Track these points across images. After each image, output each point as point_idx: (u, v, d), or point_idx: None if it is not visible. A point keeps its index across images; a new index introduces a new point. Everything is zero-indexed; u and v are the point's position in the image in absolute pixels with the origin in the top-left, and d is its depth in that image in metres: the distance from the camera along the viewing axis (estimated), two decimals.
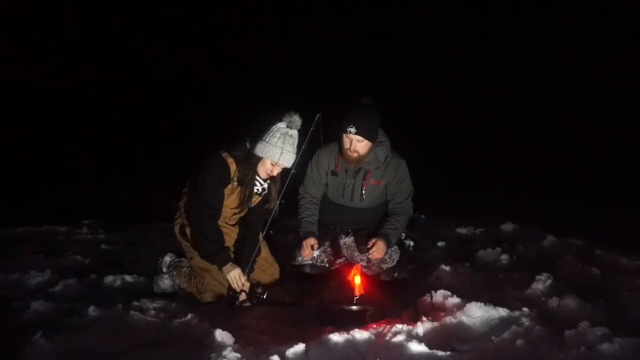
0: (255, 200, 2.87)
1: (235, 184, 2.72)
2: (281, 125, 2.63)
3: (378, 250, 2.92)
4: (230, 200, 2.77)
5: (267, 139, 2.61)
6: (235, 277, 2.63)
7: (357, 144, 2.86)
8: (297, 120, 2.65)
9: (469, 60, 10.56)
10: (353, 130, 2.81)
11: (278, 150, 2.60)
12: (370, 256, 2.95)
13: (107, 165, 8.35)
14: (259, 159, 2.67)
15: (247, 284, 2.69)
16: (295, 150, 2.67)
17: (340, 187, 3.12)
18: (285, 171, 2.75)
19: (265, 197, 2.88)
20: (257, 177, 2.77)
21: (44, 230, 4.48)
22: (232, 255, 2.73)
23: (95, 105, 10.15)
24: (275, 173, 2.72)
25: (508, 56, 10.19)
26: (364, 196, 3.10)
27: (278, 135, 2.60)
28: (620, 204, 4.97)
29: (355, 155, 2.91)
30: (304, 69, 10.61)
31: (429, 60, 10.71)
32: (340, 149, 3.00)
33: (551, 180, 6.68)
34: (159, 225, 4.46)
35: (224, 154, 2.70)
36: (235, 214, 2.87)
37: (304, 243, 3.03)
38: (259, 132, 2.66)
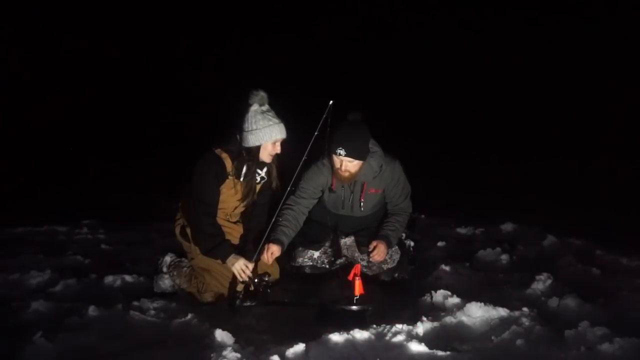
0: (256, 189, 2.88)
1: (234, 177, 2.73)
2: (254, 107, 2.65)
3: (379, 253, 2.91)
4: (230, 194, 2.77)
5: (254, 127, 2.63)
6: (241, 267, 2.60)
7: (347, 164, 2.83)
8: (263, 95, 2.66)
9: (470, 60, 10.56)
10: (343, 152, 2.76)
11: (270, 129, 2.62)
12: (371, 259, 2.94)
13: (107, 165, 8.35)
14: (258, 147, 2.68)
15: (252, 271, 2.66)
16: (280, 120, 2.69)
17: (339, 201, 3.10)
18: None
19: (265, 186, 2.90)
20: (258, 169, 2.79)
21: (44, 230, 4.48)
22: (234, 247, 2.71)
23: (94, 104, 10.15)
24: (279, 149, 2.73)
25: (509, 56, 10.19)
26: (362, 208, 3.10)
27: (259, 117, 2.62)
28: (621, 204, 4.97)
29: (347, 174, 2.88)
30: (301, 67, 10.63)
31: (430, 60, 10.71)
32: (333, 170, 2.96)
33: (551, 180, 6.68)
34: (159, 225, 4.46)
35: (218, 151, 2.71)
36: (236, 207, 2.88)
37: (266, 246, 2.76)
38: (241, 124, 2.67)
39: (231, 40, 11.39)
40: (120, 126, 9.79)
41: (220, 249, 2.64)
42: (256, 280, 2.62)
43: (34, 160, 8.23)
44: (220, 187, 2.74)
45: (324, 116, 2.71)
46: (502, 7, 10.23)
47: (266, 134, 2.62)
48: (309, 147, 2.71)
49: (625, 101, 8.55)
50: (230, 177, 2.72)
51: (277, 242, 2.85)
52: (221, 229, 2.74)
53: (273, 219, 2.79)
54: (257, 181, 2.84)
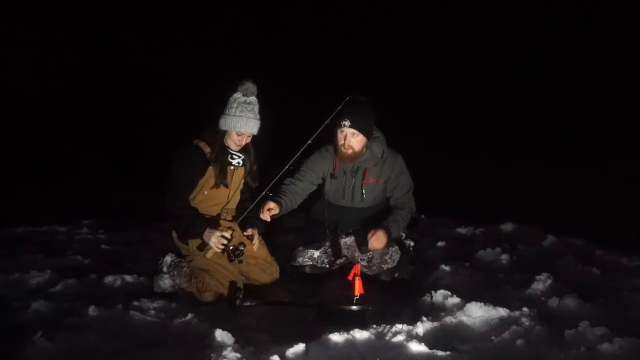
0: (241, 173, 2.92)
1: (215, 164, 2.79)
2: (237, 95, 2.72)
3: (378, 240, 2.87)
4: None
5: (227, 112, 2.71)
6: (217, 239, 2.62)
7: (351, 138, 2.87)
8: (251, 86, 2.72)
9: (470, 61, 10.56)
10: (347, 123, 2.82)
11: (238, 119, 2.68)
12: (370, 247, 2.90)
13: (107, 165, 8.35)
14: (224, 133, 2.76)
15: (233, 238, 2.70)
16: (256, 116, 2.75)
17: (340, 188, 3.11)
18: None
19: (247, 176, 2.96)
20: (232, 151, 2.84)
21: (44, 230, 4.48)
22: (207, 223, 2.73)
23: (94, 104, 10.15)
24: (244, 142, 2.79)
25: (508, 57, 10.19)
26: (364, 196, 3.10)
27: (236, 105, 2.69)
28: (621, 204, 4.97)
29: (350, 151, 2.91)
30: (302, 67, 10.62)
31: (431, 62, 10.71)
32: (336, 150, 2.99)
33: (551, 180, 6.68)
34: (159, 225, 4.45)
35: (195, 141, 2.79)
36: (229, 197, 2.90)
37: (264, 203, 2.83)
38: (221, 109, 2.76)
39: (225, 37, 11.38)
40: (120, 126, 9.78)
41: (193, 227, 2.67)
42: (231, 247, 2.66)
43: (34, 161, 8.23)
44: (207, 177, 2.78)
45: (339, 107, 2.79)
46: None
47: (232, 122, 2.69)
48: (317, 131, 2.76)
49: (626, 101, 8.55)
50: (212, 165, 2.77)
51: (275, 201, 2.87)
52: (192, 208, 2.78)
53: (268, 188, 2.82)
54: (240, 164, 2.89)
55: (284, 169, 2.83)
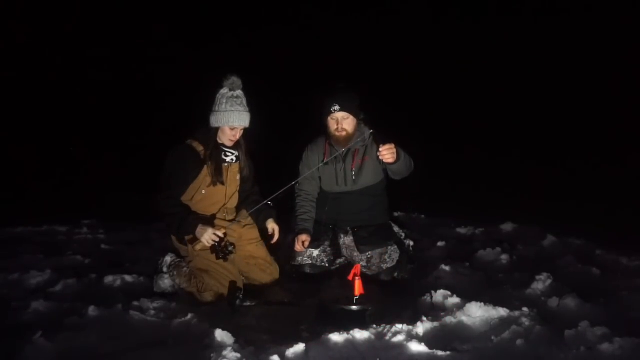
0: (235, 169, 2.93)
1: (209, 163, 2.80)
2: (224, 90, 2.73)
3: (390, 148, 2.61)
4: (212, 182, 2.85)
5: (216, 108, 2.72)
6: (210, 236, 2.62)
7: (343, 122, 2.94)
8: (236, 80, 2.74)
9: (472, 61, 10.56)
10: (337, 108, 2.89)
11: (229, 114, 2.69)
12: (379, 155, 2.65)
13: (107, 164, 8.34)
14: (217, 130, 2.77)
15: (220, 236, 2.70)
16: (246, 108, 2.76)
17: (333, 174, 3.16)
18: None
19: (243, 172, 2.97)
20: (226, 148, 2.86)
21: (44, 230, 4.48)
22: (200, 219, 2.73)
23: (94, 103, 10.14)
24: (237, 137, 2.81)
25: (509, 58, 10.19)
26: (353, 176, 3.11)
27: (225, 101, 2.71)
28: (621, 203, 4.97)
29: (344, 134, 2.97)
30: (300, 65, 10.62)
31: (431, 62, 10.71)
32: (327, 137, 3.07)
33: (551, 180, 6.68)
34: (159, 225, 4.45)
35: (189, 141, 2.80)
36: (227, 196, 2.91)
37: (296, 239, 3.09)
38: (210, 107, 2.78)
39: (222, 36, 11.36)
40: (120, 125, 9.78)
41: (186, 223, 2.67)
42: (223, 244, 2.67)
43: (34, 161, 8.23)
44: (202, 177, 2.79)
45: (358, 140, 2.92)
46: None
47: (224, 118, 2.70)
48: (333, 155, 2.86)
49: (626, 101, 8.55)
50: (207, 165, 2.78)
51: (303, 231, 3.06)
52: (184, 205, 2.78)
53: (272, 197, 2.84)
54: (233, 161, 2.91)
55: (289, 185, 2.82)
